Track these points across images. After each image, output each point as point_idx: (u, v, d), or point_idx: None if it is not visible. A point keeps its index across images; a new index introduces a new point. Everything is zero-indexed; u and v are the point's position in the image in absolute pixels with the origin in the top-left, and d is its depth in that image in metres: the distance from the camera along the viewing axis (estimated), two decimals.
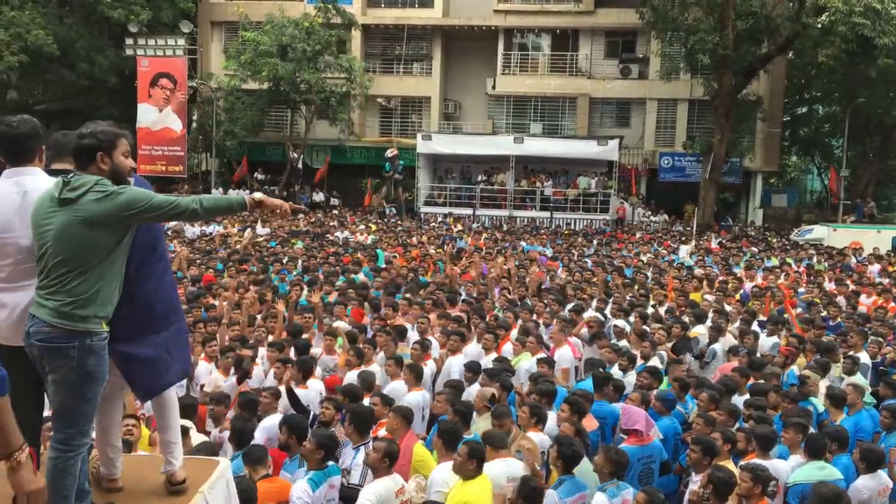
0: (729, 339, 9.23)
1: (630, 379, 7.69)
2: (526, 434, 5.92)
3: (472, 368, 7.58)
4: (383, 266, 14.39)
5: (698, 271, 14.75)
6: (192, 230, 20.73)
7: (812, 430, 6.18)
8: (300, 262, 14.54)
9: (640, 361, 8.32)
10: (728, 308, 10.82)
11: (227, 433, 5.94)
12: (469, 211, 27.98)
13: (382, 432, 5.67)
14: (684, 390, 7.36)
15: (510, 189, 28.52)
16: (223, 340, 8.24)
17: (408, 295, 10.85)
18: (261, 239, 19.31)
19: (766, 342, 9.54)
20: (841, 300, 12.38)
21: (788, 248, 21.17)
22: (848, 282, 13.85)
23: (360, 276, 13.06)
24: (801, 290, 13.44)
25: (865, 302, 12.53)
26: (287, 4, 30.44)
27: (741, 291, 12.68)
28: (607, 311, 10.73)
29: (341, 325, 9.11)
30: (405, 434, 5.65)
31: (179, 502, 3.41)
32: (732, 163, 30.09)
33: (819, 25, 26.09)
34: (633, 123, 32.57)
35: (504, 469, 5.22)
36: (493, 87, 32.77)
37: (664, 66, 30.00)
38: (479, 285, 12.40)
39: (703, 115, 31.00)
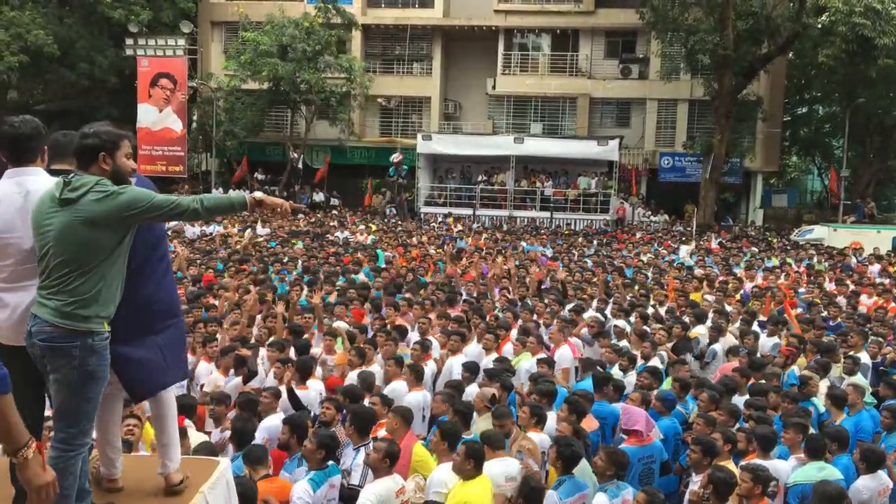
0: (730, 340, 9.22)
1: (630, 379, 7.69)
2: (526, 434, 5.92)
3: (470, 368, 7.58)
4: (383, 266, 14.39)
5: (698, 271, 14.75)
6: (192, 230, 20.73)
7: (813, 430, 6.18)
8: (300, 262, 14.54)
9: (640, 362, 8.32)
10: (728, 308, 10.82)
11: (228, 433, 5.94)
12: (469, 211, 27.99)
13: (382, 432, 5.67)
14: (685, 390, 7.35)
15: (510, 189, 28.52)
16: (224, 340, 8.24)
17: (408, 295, 10.84)
18: (261, 239, 19.32)
19: (766, 342, 9.54)
20: (841, 300, 12.37)
21: (789, 248, 21.17)
22: (848, 282, 13.85)
23: (361, 277, 13.06)
24: (802, 290, 13.44)
25: (866, 302, 12.52)
26: (287, 4, 30.43)
27: (741, 292, 12.68)
28: (607, 312, 10.73)
29: (341, 325, 9.10)
30: (405, 434, 5.65)
31: (179, 502, 3.41)
32: (733, 163, 30.08)
33: (819, 26, 26.09)
34: (634, 123, 32.57)
35: (502, 469, 5.23)
36: (494, 88, 32.76)
37: (664, 66, 30.00)
38: (479, 285, 12.40)
39: (703, 116, 30.99)
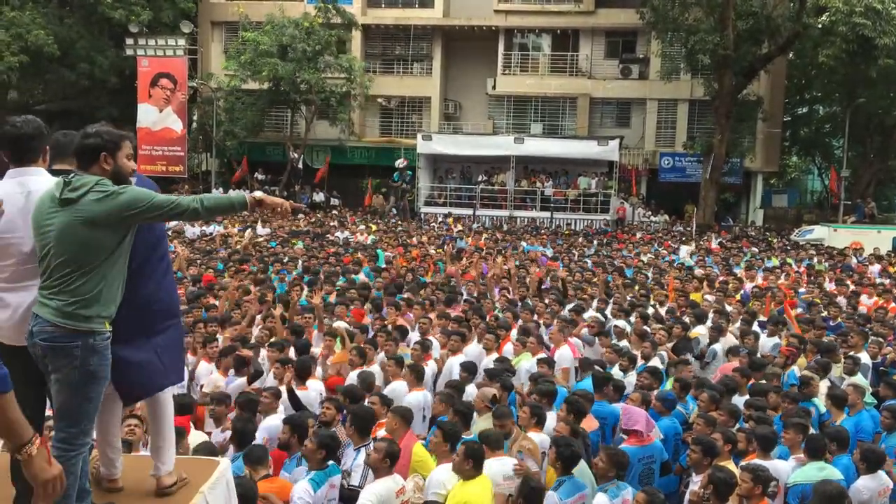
0: (730, 340, 9.22)
1: (630, 379, 7.69)
2: (527, 434, 5.92)
3: (468, 368, 7.58)
4: (384, 266, 14.39)
5: (699, 272, 14.75)
6: (192, 230, 20.73)
7: (813, 430, 6.18)
8: (300, 262, 14.54)
9: (640, 362, 8.32)
10: (728, 308, 10.82)
11: (228, 433, 5.94)
12: (469, 211, 27.99)
13: (382, 432, 5.67)
14: (685, 391, 7.35)
15: (510, 189, 28.52)
16: (224, 341, 8.23)
17: (407, 295, 10.84)
18: (261, 239, 19.32)
19: (766, 342, 9.54)
20: (841, 300, 12.37)
21: (789, 248, 21.18)
22: (848, 282, 13.85)
23: (361, 277, 13.06)
24: (802, 290, 13.44)
25: (866, 302, 12.52)
26: (287, 4, 30.43)
27: (741, 292, 12.67)
28: (608, 312, 10.73)
29: (341, 325, 9.10)
30: (405, 434, 5.65)
31: (180, 502, 3.41)
32: (733, 163, 30.08)
33: (819, 26, 26.10)
34: (634, 124, 32.57)
35: (500, 468, 5.24)
36: (494, 88, 32.77)
37: (664, 66, 29.99)
38: (479, 285, 12.40)
39: (703, 116, 30.99)
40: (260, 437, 5.87)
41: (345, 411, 6.10)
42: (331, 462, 5.25)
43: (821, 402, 7.19)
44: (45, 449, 2.49)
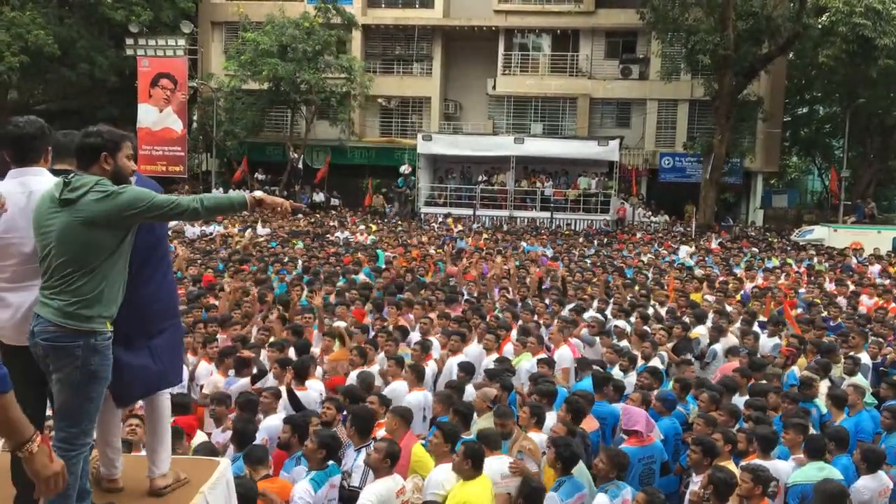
0: (731, 340, 9.22)
1: (630, 379, 7.69)
2: (527, 435, 5.92)
3: (466, 369, 7.58)
4: (384, 266, 14.39)
5: (699, 272, 14.75)
6: (192, 230, 20.73)
7: (814, 431, 6.17)
8: (300, 262, 14.54)
9: (640, 362, 8.31)
10: (729, 309, 10.81)
11: (229, 433, 5.93)
12: (469, 211, 27.98)
13: (381, 432, 5.67)
14: (685, 391, 7.35)
15: (510, 189, 28.51)
16: (224, 341, 8.22)
17: (407, 295, 10.83)
18: (261, 239, 19.32)
19: (766, 343, 9.54)
20: (841, 301, 12.37)
21: (789, 248, 21.18)
22: (848, 282, 13.85)
23: (361, 277, 13.05)
24: (802, 290, 13.44)
25: (866, 302, 12.52)
26: (287, 4, 30.43)
27: (741, 292, 12.67)
28: (608, 312, 10.73)
29: (341, 325, 9.10)
30: (404, 434, 5.65)
31: (180, 502, 3.41)
32: (733, 163, 30.08)
33: (820, 26, 26.11)
34: (634, 124, 32.56)
35: (498, 467, 5.24)
36: (494, 88, 32.76)
37: (665, 66, 29.98)
38: (480, 285, 12.40)
39: (703, 116, 31.00)
40: (260, 438, 5.87)
41: (345, 412, 6.10)
42: (331, 462, 5.26)
43: (821, 402, 7.19)
44: (47, 446, 2.50)
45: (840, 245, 20.72)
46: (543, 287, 12.40)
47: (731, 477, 4.91)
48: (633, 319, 10.08)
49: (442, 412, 6.24)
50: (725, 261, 17.10)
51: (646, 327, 9.49)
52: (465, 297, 11.76)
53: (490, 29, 32.63)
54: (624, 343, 9.04)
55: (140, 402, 4.30)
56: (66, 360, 2.93)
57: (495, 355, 8.18)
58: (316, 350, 8.29)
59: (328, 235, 21.15)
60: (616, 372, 8.00)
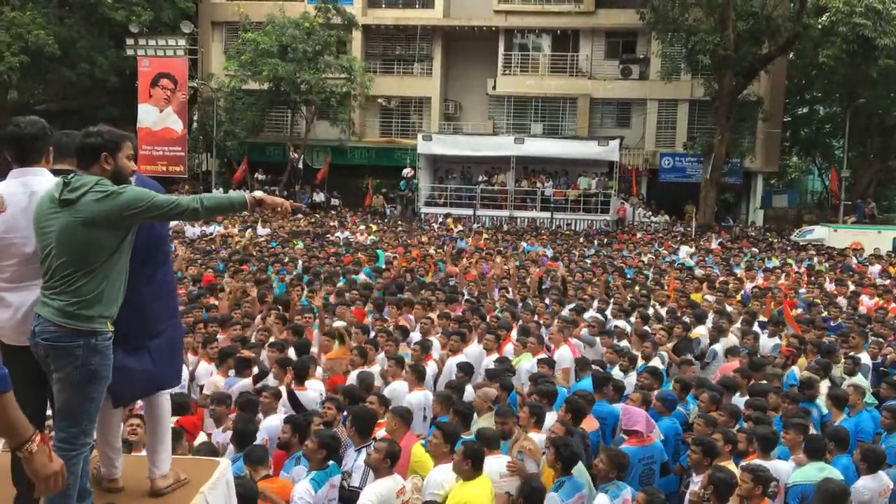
0: (731, 340, 9.23)
1: (631, 380, 7.69)
2: (527, 435, 5.91)
3: (464, 369, 7.58)
4: (384, 267, 14.39)
5: (699, 272, 14.75)
6: (192, 230, 20.75)
7: (815, 431, 6.17)
8: (300, 262, 14.54)
9: (640, 362, 8.31)
10: (729, 309, 10.81)
11: (229, 433, 5.93)
12: (469, 211, 27.99)
13: (381, 433, 5.67)
14: (685, 391, 7.35)
15: (510, 189, 28.51)
16: (223, 341, 8.22)
17: (407, 295, 10.83)
18: (261, 239, 19.32)
19: (766, 343, 9.54)
20: (842, 301, 12.37)
21: (789, 248, 21.18)
22: (849, 282, 13.85)
23: (361, 277, 13.05)
24: (802, 290, 13.43)
25: (866, 303, 12.52)
26: (287, 4, 30.44)
27: (742, 292, 12.67)
28: (608, 312, 10.73)
29: (341, 325, 9.09)
30: (404, 434, 5.65)
31: (180, 502, 3.41)
32: (733, 163, 30.08)
33: (820, 26, 26.12)
34: (634, 124, 32.57)
35: (498, 467, 5.25)
36: (494, 88, 32.77)
37: (665, 66, 29.99)
38: (480, 285, 12.40)
39: (703, 116, 31.00)
40: (260, 438, 5.87)
41: (345, 412, 6.10)
42: (331, 462, 5.26)
43: (822, 402, 7.19)
44: (46, 445, 2.50)
45: (840, 245, 20.72)
46: (543, 287, 12.40)
47: (731, 477, 4.91)
48: (633, 319, 10.08)
49: (442, 412, 6.24)
50: (725, 261, 17.10)
51: (646, 327, 9.49)
52: (466, 297, 11.75)
53: (490, 29, 32.63)
54: (624, 343, 9.03)
55: (140, 403, 4.30)
56: (66, 360, 2.93)
57: (495, 355, 8.18)
58: (315, 350, 8.29)
59: (328, 235, 21.16)
60: (616, 372, 8.00)
